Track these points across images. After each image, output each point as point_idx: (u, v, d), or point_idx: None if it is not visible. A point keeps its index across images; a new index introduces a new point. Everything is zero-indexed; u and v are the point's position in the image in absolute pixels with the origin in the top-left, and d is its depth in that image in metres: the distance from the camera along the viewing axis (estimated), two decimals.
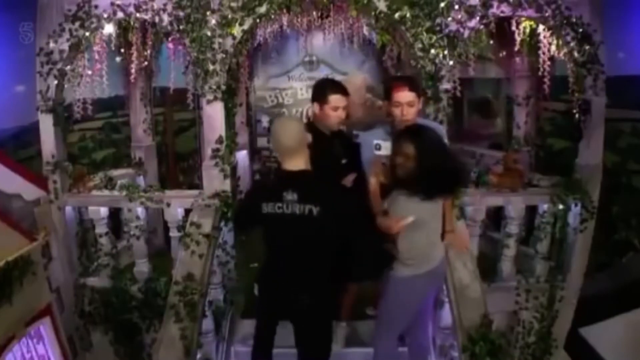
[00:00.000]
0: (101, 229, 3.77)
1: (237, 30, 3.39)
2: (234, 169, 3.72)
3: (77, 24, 3.43)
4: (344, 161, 2.98)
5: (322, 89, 2.92)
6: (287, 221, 2.39)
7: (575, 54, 3.44)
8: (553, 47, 3.59)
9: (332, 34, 4.37)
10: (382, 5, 3.35)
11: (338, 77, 5.92)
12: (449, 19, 3.37)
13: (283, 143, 2.41)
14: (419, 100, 2.77)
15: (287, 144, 2.41)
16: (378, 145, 2.72)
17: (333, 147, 2.96)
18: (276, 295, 2.59)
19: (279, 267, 2.53)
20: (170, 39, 3.70)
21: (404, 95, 2.70)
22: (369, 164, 2.79)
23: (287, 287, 2.54)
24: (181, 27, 3.40)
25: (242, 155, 5.67)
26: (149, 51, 4.16)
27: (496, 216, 4.21)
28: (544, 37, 3.61)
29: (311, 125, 3.00)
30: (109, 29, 3.58)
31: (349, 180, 2.88)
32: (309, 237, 2.41)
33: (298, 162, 2.42)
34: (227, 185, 3.56)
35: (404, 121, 2.69)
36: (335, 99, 2.86)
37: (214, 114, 3.52)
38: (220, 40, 3.40)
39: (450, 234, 2.89)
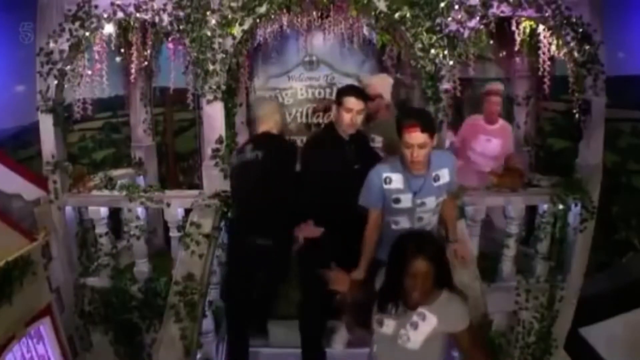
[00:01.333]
0: (101, 229, 3.77)
1: (237, 30, 3.39)
2: None
3: (77, 24, 3.43)
4: (356, 166, 2.94)
5: (339, 91, 3.02)
6: (244, 167, 3.09)
7: (575, 54, 3.44)
8: (553, 47, 3.59)
9: (332, 34, 4.38)
10: (382, 5, 3.35)
11: (338, 77, 5.96)
12: (449, 19, 3.37)
13: (255, 112, 3.38)
14: (433, 139, 2.44)
15: (257, 113, 3.34)
16: (388, 179, 2.54)
17: (346, 151, 2.96)
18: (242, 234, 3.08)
19: (242, 209, 3.18)
20: (170, 39, 3.69)
21: (416, 137, 2.37)
22: (372, 198, 2.61)
23: (247, 228, 3.05)
24: (181, 27, 3.40)
25: None
26: (149, 51, 4.16)
27: None
28: (544, 37, 3.61)
29: (329, 127, 3.07)
30: (109, 29, 3.58)
31: (309, 231, 2.90)
32: (258, 178, 3.00)
33: (264, 127, 3.20)
34: (227, 185, 3.55)
35: (415, 162, 2.44)
36: (348, 101, 2.87)
37: (214, 114, 3.52)
38: (220, 40, 3.40)
39: (455, 244, 2.87)
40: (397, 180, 2.51)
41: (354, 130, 2.96)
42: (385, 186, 2.53)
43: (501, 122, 4.28)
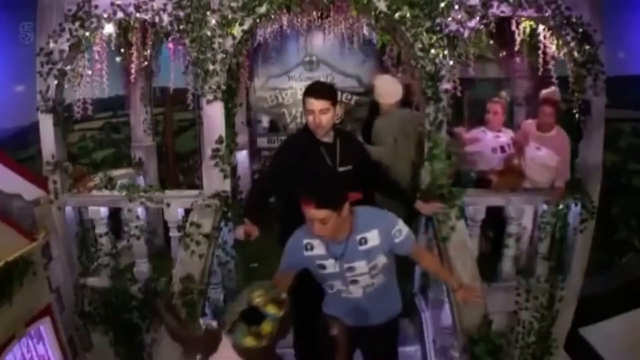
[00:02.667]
0: (101, 229, 3.76)
1: (237, 30, 3.39)
2: (234, 169, 3.71)
3: (77, 24, 3.42)
4: (342, 169, 2.81)
5: (304, 90, 2.81)
6: None
7: (575, 54, 3.43)
8: (553, 47, 3.59)
9: (332, 34, 4.39)
10: (382, 5, 3.34)
11: (338, 77, 5.96)
12: (449, 19, 3.36)
13: None
14: (338, 211, 2.11)
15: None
16: (309, 245, 2.26)
17: (321, 152, 2.79)
18: None
19: None
20: (170, 39, 3.69)
21: (313, 213, 2.10)
22: (285, 264, 2.34)
23: None
24: (181, 27, 3.40)
25: (242, 155, 5.67)
26: (149, 51, 4.17)
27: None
28: (544, 37, 3.61)
29: (304, 128, 2.88)
30: (109, 29, 3.58)
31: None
32: None
33: None
34: (227, 185, 3.56)
35: (321, 235, 2.20)
36: (307, 102, 2.72)
37: (214, 114, 3.51)
38: (220, 40, 3.39)
39: (460, 291, 2.57)
40: (318, 247, 2.26)
41: (323, 132, 2.78)
42: (307, 253, 2.28)
43: (555, 130, 3.93)
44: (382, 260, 2.30)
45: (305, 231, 2.27)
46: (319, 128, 2.75)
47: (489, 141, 4.23)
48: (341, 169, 2.83)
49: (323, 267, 2.29)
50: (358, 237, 2.24)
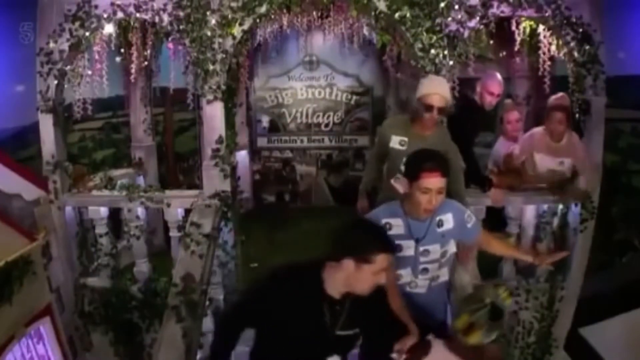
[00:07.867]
0: (101, 229, 3.77)
1: (237, 30, 3.39)
2: (234, 169, 3.71)
3: (77, 24, 3.43)
4: (343, 332, 1.99)
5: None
6: None
7: (575, 54, 3.44)
8: (553, 47, 3.59)
9: (332, 34, 4.39)
10: (382, 5, 3.35)
11: (338, 77, 5.97)
12: (449, 19, 3.37)
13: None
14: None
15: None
16: (388, 225, 2.22)
17: (322, 309, 1.95)
18: None
19: None
20: (170, 39, 3.70)
21: (436, 182, 2.10)
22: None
23: None
24: (181, 27, 3.41)
25: (242, 155, 5.67)
26: (149, 51, 4.17)
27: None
28: (544, 37, 3.61)
29: (315, 279, 1.94)
30: (109, 29, 3.58)
31: None
32: None
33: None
34: (227, 185, 3.56)
35: (429, 210, 2.17)
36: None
37: (214, 114, 3.52)
38: (220, 40, 3.40)
39: (537, 259, 2.53)
40: (397, 226, 2.24)
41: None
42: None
43: (567, 138, 3.54)
44: (452, 248, 2.34)
45: (383, 210, 2.29)
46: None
47: None
48: (341, 333, 2.01)
49: (399, 248, 2.21)
50: (437, 218, 2.28)
